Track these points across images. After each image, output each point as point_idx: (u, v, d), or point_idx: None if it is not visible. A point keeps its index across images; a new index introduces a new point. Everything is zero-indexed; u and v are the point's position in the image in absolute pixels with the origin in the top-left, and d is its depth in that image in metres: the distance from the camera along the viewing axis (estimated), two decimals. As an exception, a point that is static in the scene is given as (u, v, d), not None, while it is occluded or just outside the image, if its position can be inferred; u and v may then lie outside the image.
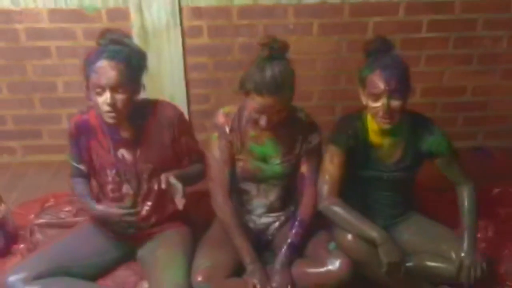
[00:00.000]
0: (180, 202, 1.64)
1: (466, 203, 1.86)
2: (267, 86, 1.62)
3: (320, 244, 1.80)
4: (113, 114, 1.62)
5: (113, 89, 1.59)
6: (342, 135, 1.80)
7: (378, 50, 1.73)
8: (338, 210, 1.75)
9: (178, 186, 1.65)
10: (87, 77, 1.62)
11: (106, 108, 1.61)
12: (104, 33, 1.66)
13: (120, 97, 1.61)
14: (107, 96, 1.59)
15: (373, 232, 1.69)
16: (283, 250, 1.77)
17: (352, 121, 1.82)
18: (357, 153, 1.81)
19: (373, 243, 1.69)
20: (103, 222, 1.86)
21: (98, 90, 1.60)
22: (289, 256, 1.77)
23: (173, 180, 1.66)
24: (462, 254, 1.76)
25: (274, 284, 1.71)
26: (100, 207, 1.78)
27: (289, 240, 1.78)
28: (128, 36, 1.71)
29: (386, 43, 1.75)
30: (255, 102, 1.65)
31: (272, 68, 1.63)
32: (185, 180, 1.79)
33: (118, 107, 1.61)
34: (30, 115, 2.87)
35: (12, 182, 2.76)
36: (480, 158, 2.93)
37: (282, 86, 1.63)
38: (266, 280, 1.72)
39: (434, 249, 1.83)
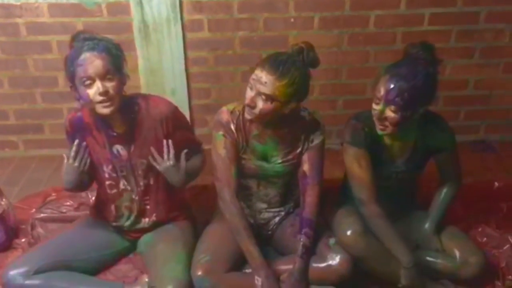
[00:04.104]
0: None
1: (442, 197, 1.93)
2: (272, 62, 1.59)
3: (320, 240, 1.79)
4: (107, 103, 1.61)
5: (102, 77, 1.59)
6: (360, 134, 1.76)
7: (416, 57, 1.64)
8: (379, 222, 1.76)
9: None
10: (72, 75, 1.61)
11: (99, 98, 1.60)
12: (76, 35, 1.66)
13: (110, 84, 1.61)
14: (98, 85, 1.59)
15: (404, 255, 1.73)
16: (298, 255, 1.72)
17: (365, 119, 1.77)
18: (371, 151, 1.78)
19: (400, 263, 1.74)
20: (101, 213, 1.86)
21: (88, 82, 1.59)
22: (306, 260, 1.72)
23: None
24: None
25: None
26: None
27: (301, 242, 1.72)
28: (98, 33, 1.71)
29: (428, 52, 1.64)
30: (253, 75, 1.61)
31: (290, 59, 1.61)
32: (190, 174, 1.81)
33: (110, 94, 1.61)
34: (32, 109, 2.87)
35: (14, 176, 2.76)
36: (481, 150, 2.94)
37: (286, 75, 1.58)
38: None
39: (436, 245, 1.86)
